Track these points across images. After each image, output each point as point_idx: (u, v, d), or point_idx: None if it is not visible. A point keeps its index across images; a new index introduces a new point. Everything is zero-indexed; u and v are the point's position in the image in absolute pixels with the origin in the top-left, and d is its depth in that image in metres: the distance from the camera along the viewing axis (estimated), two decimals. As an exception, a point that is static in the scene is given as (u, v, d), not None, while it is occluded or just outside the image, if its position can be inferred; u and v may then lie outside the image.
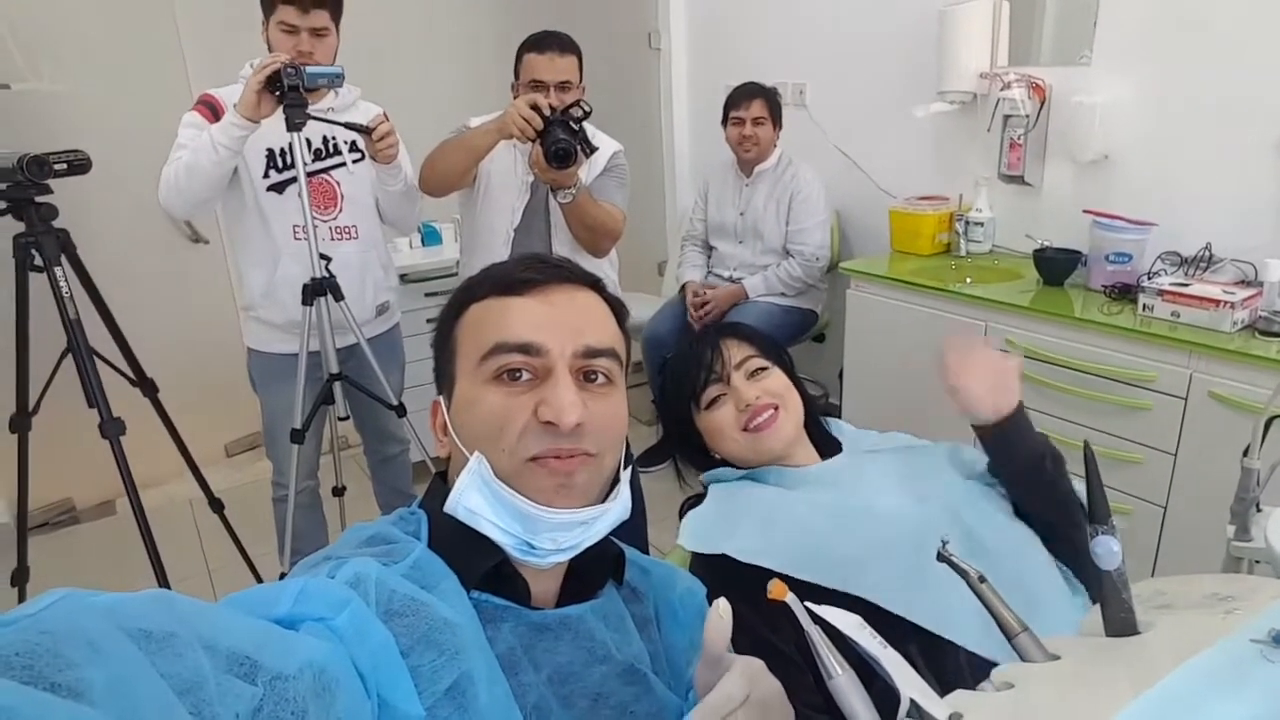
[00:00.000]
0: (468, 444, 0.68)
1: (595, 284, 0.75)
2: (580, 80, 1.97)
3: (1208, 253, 2.04)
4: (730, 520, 1.04)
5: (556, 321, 0.69)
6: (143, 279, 2.82)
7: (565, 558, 0.69)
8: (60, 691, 0.35)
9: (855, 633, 0.66)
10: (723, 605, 0.60)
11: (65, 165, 1.71)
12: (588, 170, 1.98)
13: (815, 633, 0.64)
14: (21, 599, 2.01)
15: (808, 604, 0.66)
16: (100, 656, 0.38)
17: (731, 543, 0.99)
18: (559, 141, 1.74)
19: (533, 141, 1.77)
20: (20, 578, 1.99)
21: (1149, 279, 1.96)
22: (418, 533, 0.69)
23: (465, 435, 0.69)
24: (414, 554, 0.64)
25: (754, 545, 0.98)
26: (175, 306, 2.92)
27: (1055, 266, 2.22)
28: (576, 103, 1.80)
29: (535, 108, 1.74)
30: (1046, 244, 2.29)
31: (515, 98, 1.90)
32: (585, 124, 1.81)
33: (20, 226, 1.74)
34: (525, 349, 0.67)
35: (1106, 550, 0.64)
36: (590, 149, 1.80)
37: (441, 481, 0.74)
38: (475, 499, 0.66)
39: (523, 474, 0.66)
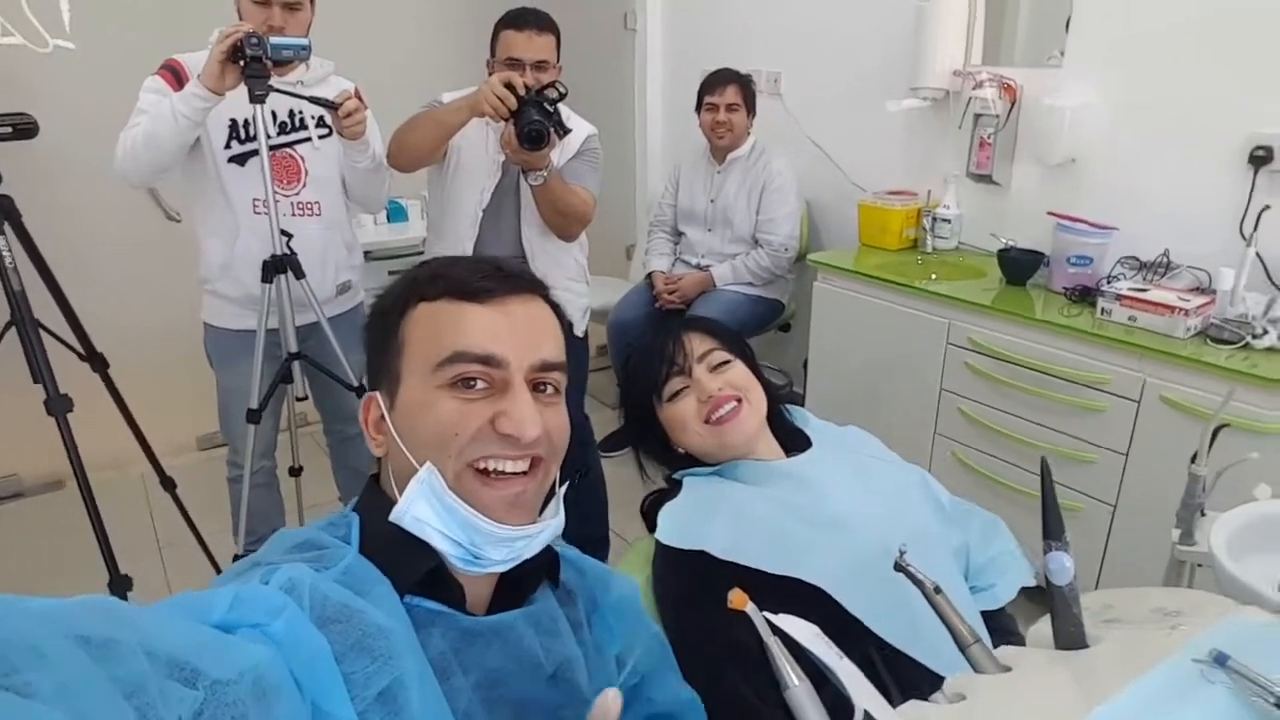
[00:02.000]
0: (414, 449, 0.68)
1: (545, 293, 0.77)
2: (557, 60, 1.93)
3: (1165, 259, 2.09)
4: (706, 514, 1.04)
5: (514, 334, 0.70)
6: (105, 254, 2.73)
7: (507, 567, 0.70)
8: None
9: (811, 643, 0.66)
10: (612, 695, 0.61)
11: (10, 130, 1.65)
12: (560, 153, 1.95)
13: (774, 644, 0.64)
14: (-38, 576, 1.95)
15: (765, 614, 0.67)
16: (46, 662, 0.38)
17: (709, 541, 1.00)
18: (532, 123, 1.70)
19: (505, 121, 1.73)
20: (-41, 554, 1.93)
21: (1108, 283, 1.99)
22: (348, 537, 0.69)
23: (411, 439, 0.68)
24: (345, 560, 0.64)
25: (729, 542, 0.99)
26: (143, 286, 2.82)
27: (1018, 266, 2.26)
28: (552, 84, 1.77)
29: (510, 86, 1.70)
30: (1011, 244, 2.33)
31: (490, 75, 1.85)
32: (560, 106, 1.78)
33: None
34: (486, 360, 0.67)
35: (1059, 566, 0.66)
36: (564, 131, 1.78)
37: (375, 484, 0.74)
38: (423, 509, 0.66)
39: (472, 485, 0.67)
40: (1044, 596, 0.67)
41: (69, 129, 2.21)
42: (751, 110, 2.77)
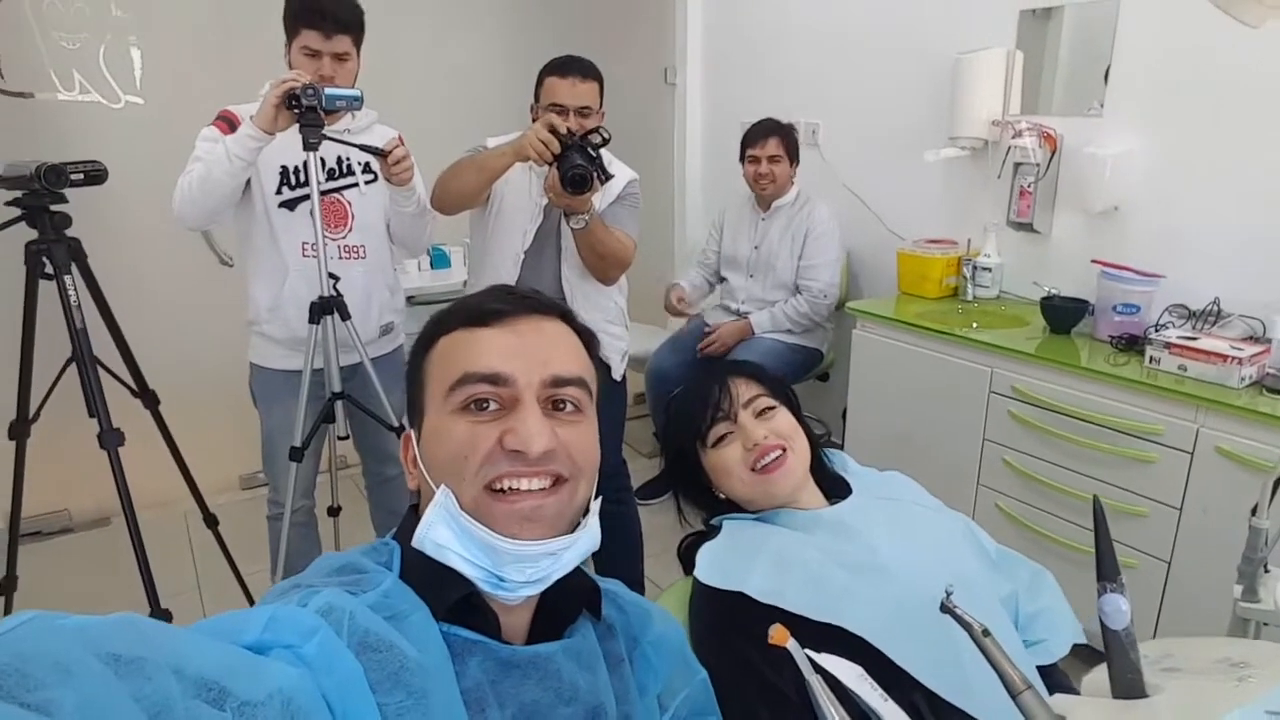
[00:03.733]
0: (435, 476, 0.68)
1: (564, 314, 0.76)
2: (600, 106, 1.97)
3: (1216, 307, 2.04)
4: (746, 557, 1.03)
5: (524, 351, 0.69)
6: (161, 296, 2.84)
7: (535, 590, 0.69)
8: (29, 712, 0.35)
9: (856, 684, 0.65)
10: None
11: (82, 175, 1.72)
12: (601, 197, 1.98)
13: (816, 681, 0.63)
14: (8, 608, 1.98)
15: (808, 651, 0.65)
16: (69, 678, 0.38)
17: (750, 581, 0.98)
18: (576, 167, 1.73)
19: (549, 165, 1.77)
20: (8, 586, 1.96)
21: (1156, 331, 1.95)
22: (389, 563, 0.69)
23: (433, 466, 0.69)
24: (384, 584, 0.64)
25: (770, 585, 0.97)
26: (194, 327, 2.91)
27: (1062, 315, 2.22)
28: (596, 129, 1.80)
29: (554, 131, 1.75)
30: (1054, 292, 2.30)
31: (534, 120, 1.89)
32: (603, 151, 1.82)
33: (34, 234, 1.74)
34: (492, 379, 0.67)
35: (1114, 608, 0.63)
36: (606, 176, 1.81)
37: (414, 514, 0.73)
38: (442, 532, 0.66)
39: (486, 504, 0.66)
40: (1096, 656, 0.64)
41: (134, 177, 2.31)
42: (794, 159, 2.80)
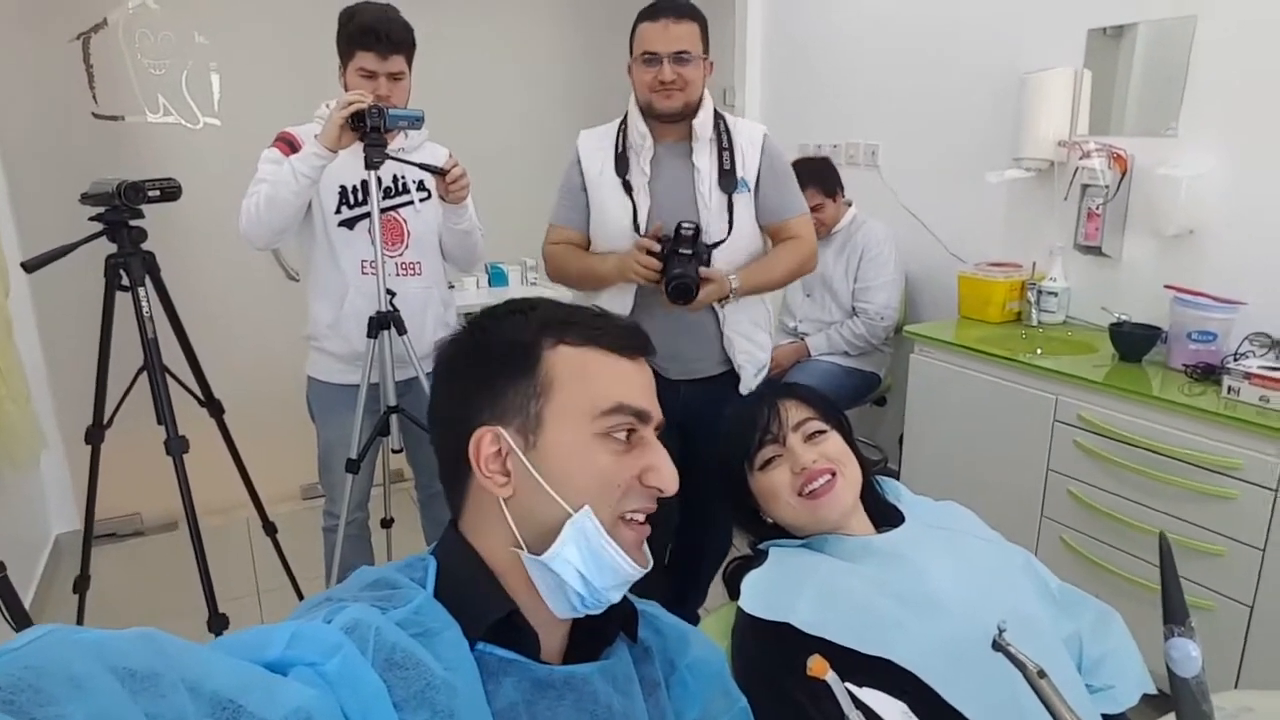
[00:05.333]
0: (565, 493, 0.67)
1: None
2: (704, 50, 1.75)
3: (1302, 336, 1.93)
4: (792, 587, 1.00)
5: (651, 391, 0.73)
6: (231, 309, 2.95)
7: (602, 609, 0.70)
8: None
9: (899, 721, 0.62)
10: None
11: (158, 191, 1.80)
12: (742, 162, 1.80)
13: (855, 716, 0.60)
14: (82, 606, 2.06)
15: (849, 685, 0.63)
16: (82, 694, 0.38)
17: (796, 612, 0.95)
18: (674, 278, 1.64)
19: (657, 284, 1.70)
20: (81, 585, 2.04)
21: (1235, 360, 1.85)
22: (424, 580, 0.68)
23: (563, 483, 0.67)
24: (416, 601, 0.63)
25: (816, 617, 0.94)
26: (259, 340, 3.01)
27: (1133, 342, 2.13)
28: (678, 227, 1.70)
29: (649, 251, 1.69)
30: (1124, 318, 2.20)
31: (629, 73, 1.78)
32: (725, 116, 1.73)
33: (113, 248, 1.83)
34: (641, 415, 0.70)
35: (1184, 655, 0.59)
36: (706, 264, 1.71)
37: (454, 529, 0.73)
38: (573, 551, 0.66)
39: (620, 531, 0.69)
40: (1168, 705, 0.60)
41: (208, 194, 2.42)
42: (834, 195, 2.74)
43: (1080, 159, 2.33)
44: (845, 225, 2.80)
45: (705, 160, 1.78)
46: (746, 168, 1.80)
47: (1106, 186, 2.30)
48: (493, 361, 0.70)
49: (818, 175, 2.71)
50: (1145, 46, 2.27)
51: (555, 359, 0.69)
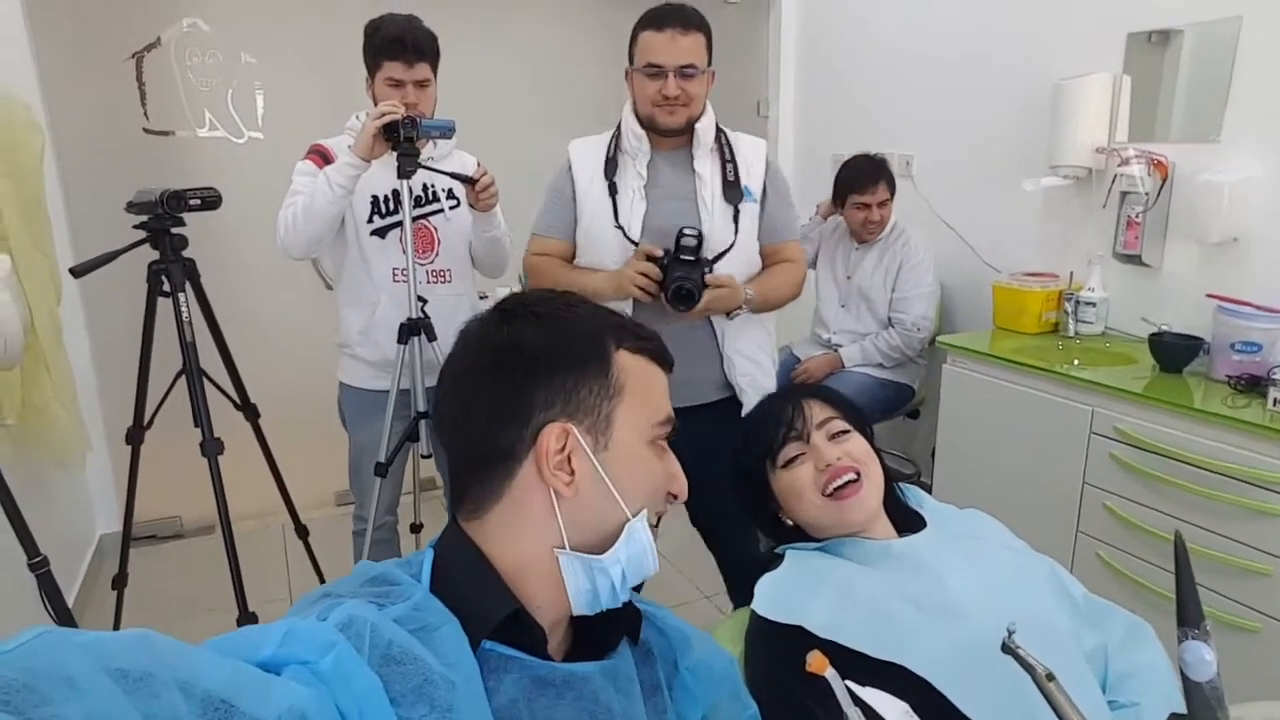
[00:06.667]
0: (629, 496, 0.69)
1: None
2: (709, 63, 1.67)
3: (1353, 347, 1.86)
4: (807, 590, 0.99)
5: None
6: (269, 316, 3.02)
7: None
8: None
9: (900, 720, 0.61)
10: None
11: (199, 201, 1.86)
12: (747, 174, 1.74)
13: (854, 715, 0.59)
14: (120, 604, 2.12)
15: (849, 683, 0.62)
16: (77, 694, 0.39)
17: (810, 615, 0.94)
18: (676, 279, 1.57)
19: (656, 298, 1.61)
20: (119, 583, 2.10)
21: (1281, 372, 1.79)
22: (419, 575, 0.68)
23: (628, 486, 0.69)
24: (415, 597, 0.63)
25: (830, 620, 0.93)
26: (295, 347, 3.06)
27: (1174, 353, 2.07)
28: (680, 233, 1.60)
29: (650, 257, 1.60)
30: (1165, 328, 2.14)
31: (627, 81, 1.70)
32: (727, 132, 1.69)
33: (155, 255, 1.89)
34: (671, 426, 0.74)
35: (1197, 658, 0.58)
36: (707, 276, 1.61)
37: (455, 525, 0.72)
38: (625, 553, 0.68)
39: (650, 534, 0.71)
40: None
41: (250, 204, 2.48)
42: (894, 194, 2.74)
43: (1119, 166, 2.28)
44: (885, 234, 2.78)
45: (707, 167, 1.71)
46: (751, 178, 1.74)
47: (1146, 194, 2.25)
48: (564, 355, 0.68)
49: (884, 172, 2.70)
50: (1186, 51, 2.22)
51: (623, 362, 0.71)
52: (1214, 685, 0.56)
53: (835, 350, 2.80)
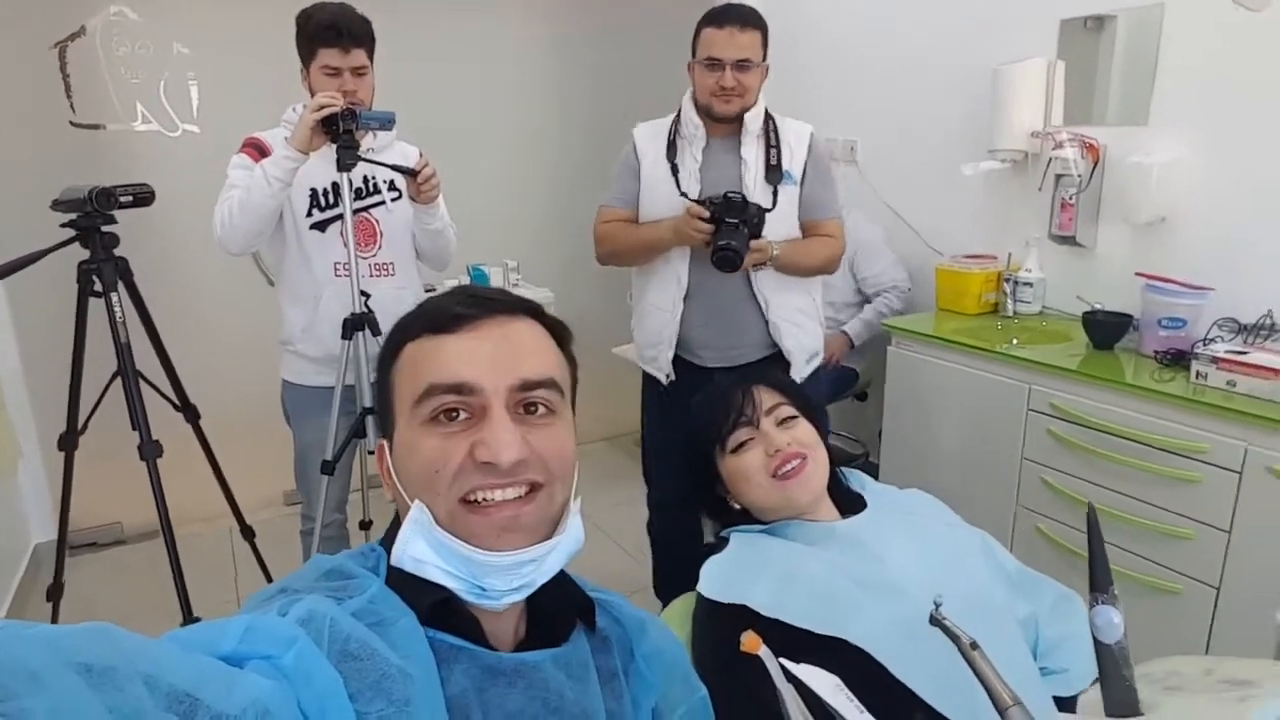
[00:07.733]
0: (409, 490, 0.68)
1: (533, 311, 0.74)
2: (764, 58, 1.86)
3: (1269, 320, 1.95)
4: (752, 569, 1.01)
5: (490, 357, 0.67)
6: (204, 313, 2.94)
7: (521, 596, 0.68)
8: None
9: (832, 695, 0.63)
10: None
11: (131, 197, 1.80)
12: (790, 157, 1.90)
13: (788, 692, 0.61)
14: (55, 613, 2.06)
15: (783, 660, 0.63)
16: (41, 687, 0.38)
17: (753, 594, 0.97)
18: (720, 248, 1.71)
19: (709, 246, 1.76)
20: (55, 593, 2.04)
21: (1204, 345, 1.87)
22: (377, 568, 0.68)
23: (406, 481, 0.68)
24: (371, 590, 0.63)
25: (774, 599, 0.96)
26: (236, 346, 2.98)
27: (1105, 330, 2.15)
28: (726, 195, 1.75)
29: (701, 217, 1.75)
30: (1098, 306, 2.22)
31: (690, 72, 1.89)
32: (774, 117, 1.82)
33: (85, 254, 1.83)
34: (458, 389, 0.66)
35: (1106, 621, 0.61)
36: (756, 236, 1.77)
37: (399, 522, 0.72)
38: (421, 547, 0.65)
39: (463, 518, 0.66)
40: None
41: (187, 200, 2.41)
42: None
43: (1053, 149, 2.35)
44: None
45: (752, 153, 1.88)
46: (794, 162, 1.90)
47: (1079, 176, 2.32)
48: (376, 383, 0.75)
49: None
50: (1113, 37, 2.29)
51: (399, 363, 0.71)
52: (1121, 646, 0.59)
53: (843, 332, 2.80)
